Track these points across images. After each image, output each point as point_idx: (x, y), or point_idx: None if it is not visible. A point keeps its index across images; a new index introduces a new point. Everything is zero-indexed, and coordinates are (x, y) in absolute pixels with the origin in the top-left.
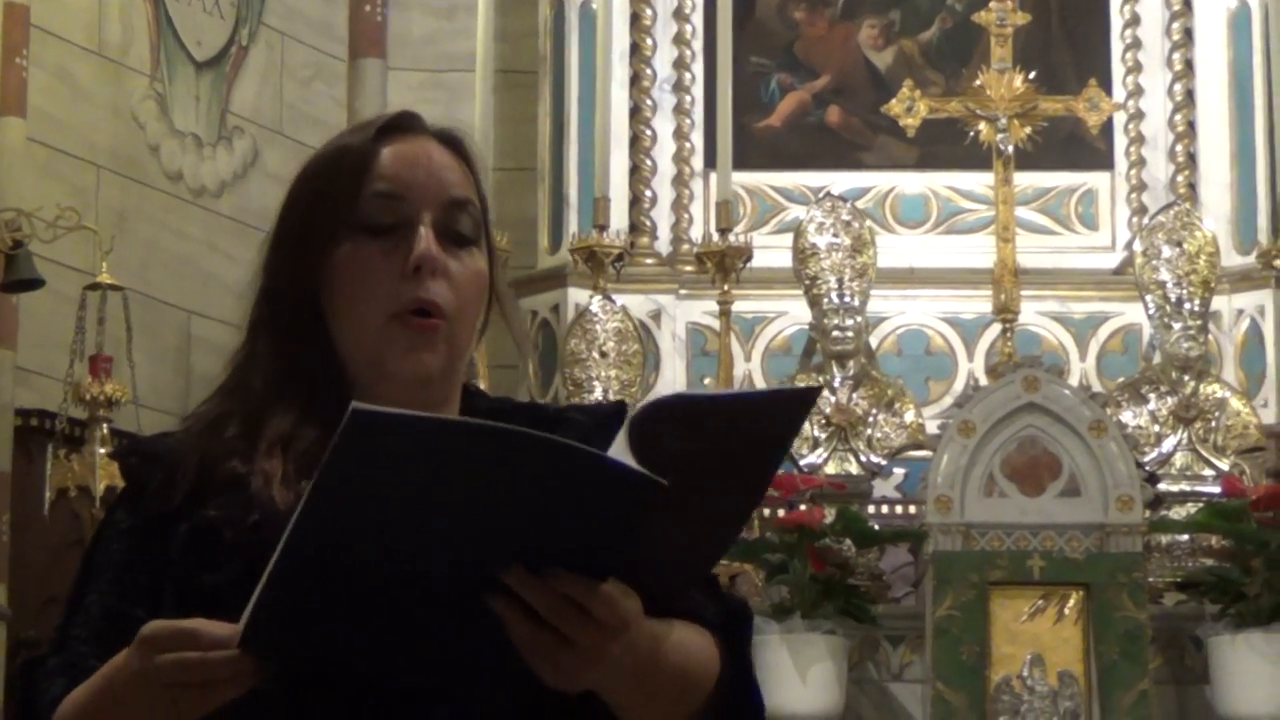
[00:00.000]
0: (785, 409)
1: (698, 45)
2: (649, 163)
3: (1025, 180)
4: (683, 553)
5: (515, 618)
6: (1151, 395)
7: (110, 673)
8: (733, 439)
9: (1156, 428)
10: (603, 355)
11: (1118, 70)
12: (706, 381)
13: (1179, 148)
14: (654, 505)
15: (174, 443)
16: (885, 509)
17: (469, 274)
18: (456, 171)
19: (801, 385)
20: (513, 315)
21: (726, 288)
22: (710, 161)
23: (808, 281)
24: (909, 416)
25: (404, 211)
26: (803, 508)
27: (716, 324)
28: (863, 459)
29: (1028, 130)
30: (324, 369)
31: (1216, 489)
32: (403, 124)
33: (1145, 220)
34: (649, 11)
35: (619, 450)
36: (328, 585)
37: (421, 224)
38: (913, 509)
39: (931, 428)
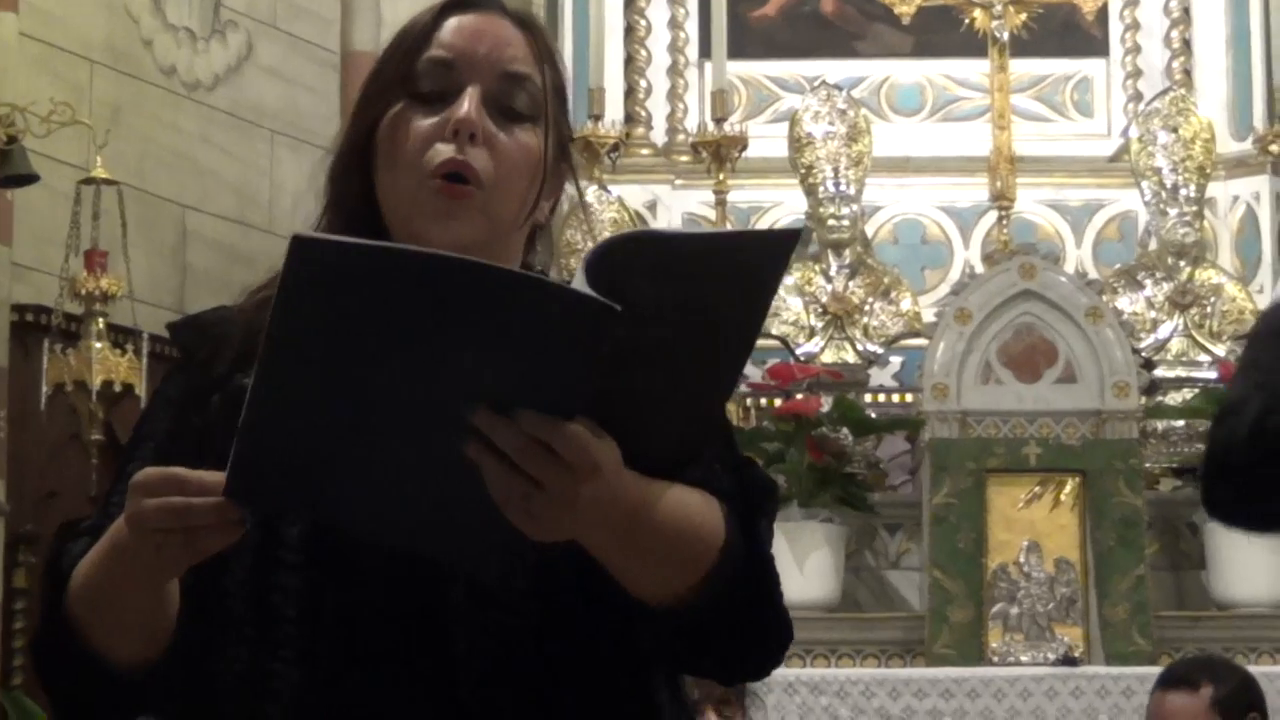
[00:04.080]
0: (763, 251)
1: None
2: (644, 53)
3: (1021, 68)
4: (675, 408)
5: (487, 461)
6: (1148, 282)
7: (114, 526)
8: (705, 282)
9: (1153, 314)
10: None
11: None
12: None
13: (1175, 34)
14: (628, 348)
15: (226, 313)
16: (882, 397)
17: (517, 147)
18: (519, 48)
19: (781, 228)
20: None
21: (722, 177)
22: (705, 51)
23: (803, 170)
24: (905, 305)
25: (455, 80)
26: (799, 397)
27: (713, 214)
28: (859, 347)
29: (1023, 17)
30: (371, 235)
31: (1213, 375)
32: (474, 0)
33: (1141, 107)
34: None
35: (578, 285)
36: (306, 431)
37: (467, 91)
38: (909, 397)
39: (928, 316)
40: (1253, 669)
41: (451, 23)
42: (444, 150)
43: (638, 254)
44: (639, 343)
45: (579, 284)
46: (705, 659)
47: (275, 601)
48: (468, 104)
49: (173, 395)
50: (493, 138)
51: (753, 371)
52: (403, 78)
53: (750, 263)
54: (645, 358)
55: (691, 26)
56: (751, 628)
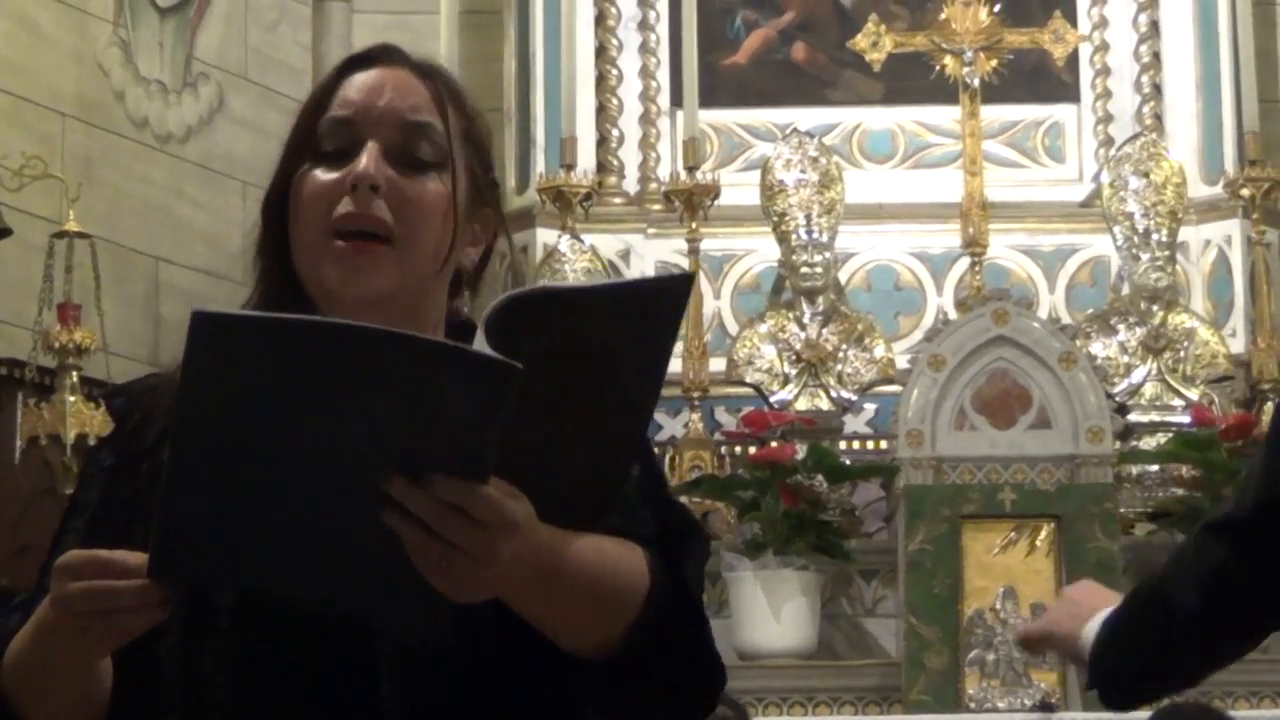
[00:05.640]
0: (660, 297)
1: None
2: (615, 101)
3: (992, 114)
4: (585, 459)
5: (405, 529)
6: (1120, 326)
7: (40, 607)
8: (605, 332)
9: (1126, 359)
10: None
11: (1082, 1)
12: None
13: (1145, 79)
14: (532, 403)
15: (156, 381)
16: (856, 444)
17: (425, 196)
18: (420, 97)
19: (676, 273)
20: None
21: (695, 226)
22: (677, 99)
23: (776, 218)
24: (879, 351)
25: (355, 135)
26: (774, 444)
27: (685, 262)
28: (833, 394)
29: (993, 63)
30: (292, 301)
31: (1186, 419)
32: (374, 55)
33: (1112, 152)
34: None
35: (478, 346)
36: (224, 503)
37: (367, 146)
38: (884, 444)
39: (902, 362)
40: (1231, 714)
41: (354, 79)
42: (345, 205)
43: (535, 310)
44: (544, 397)
45: (480, 344)
46: (637, 706)
47: (206, 668)
48: (365, 159)
49: (105, 463)
50: (398, 188)
51: (727, 419)
52: (307, 139)
53: (648, 309)
54: (551, 410)
55: (663, 75)
56: (681, 672)
